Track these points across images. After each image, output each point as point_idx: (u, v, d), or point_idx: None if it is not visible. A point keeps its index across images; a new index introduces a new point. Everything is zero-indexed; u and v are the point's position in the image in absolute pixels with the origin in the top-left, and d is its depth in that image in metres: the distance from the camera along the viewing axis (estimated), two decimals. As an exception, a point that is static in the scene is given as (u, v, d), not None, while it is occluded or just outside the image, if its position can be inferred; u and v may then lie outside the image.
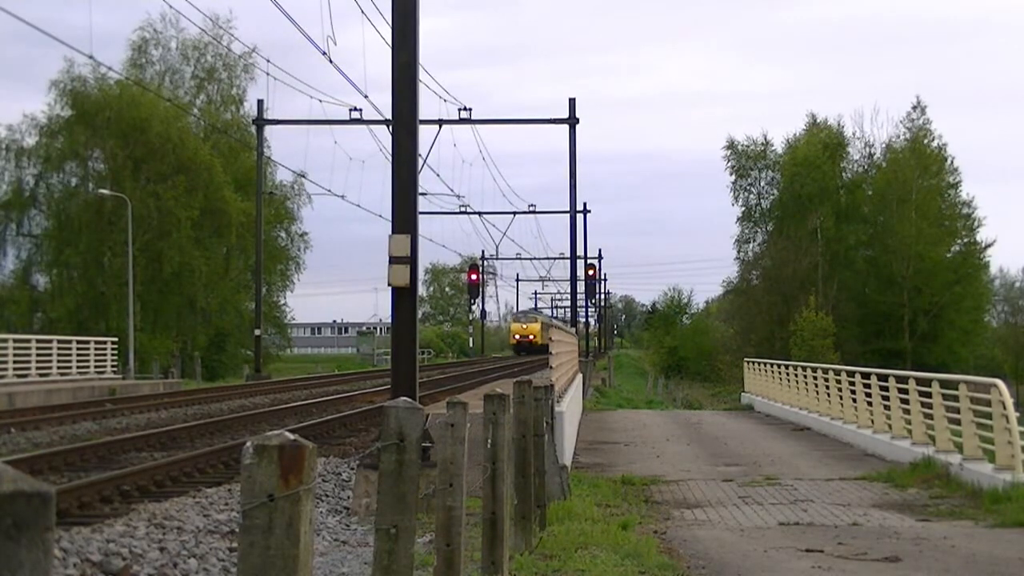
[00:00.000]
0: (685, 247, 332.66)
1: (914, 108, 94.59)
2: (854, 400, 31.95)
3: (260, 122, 62.24)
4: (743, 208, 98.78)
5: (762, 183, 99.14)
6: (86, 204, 76.36)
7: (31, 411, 35.60)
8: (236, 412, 34.95)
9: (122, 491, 18.24)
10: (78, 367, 56.00)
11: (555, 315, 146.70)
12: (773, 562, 14.05)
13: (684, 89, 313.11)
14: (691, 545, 15.09)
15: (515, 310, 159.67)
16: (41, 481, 2.54)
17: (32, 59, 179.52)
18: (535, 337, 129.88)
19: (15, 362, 52.28)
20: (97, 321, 72.30)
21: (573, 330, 54.71)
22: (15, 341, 54.05)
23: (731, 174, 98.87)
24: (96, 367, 57.94)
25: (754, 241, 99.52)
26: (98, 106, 76.66)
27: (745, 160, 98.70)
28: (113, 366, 59.39)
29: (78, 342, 57.45)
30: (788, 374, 42.52)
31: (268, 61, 54.82)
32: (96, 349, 58.78)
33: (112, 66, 68.05)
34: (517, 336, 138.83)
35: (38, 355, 53.89)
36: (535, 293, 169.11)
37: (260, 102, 61.75)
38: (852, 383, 32.38)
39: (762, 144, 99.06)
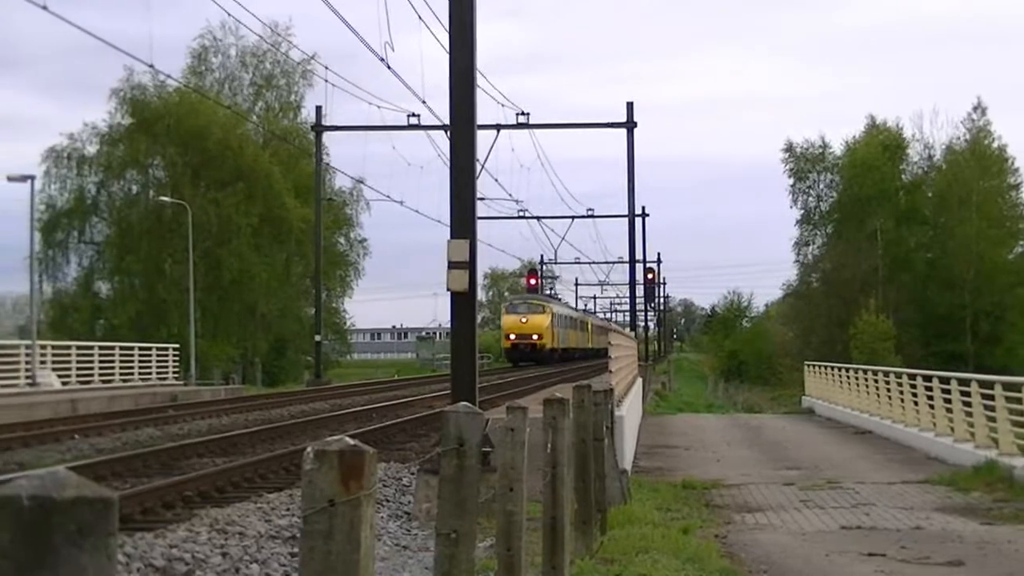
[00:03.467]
0: (744, 250, 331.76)
1: (974, 109, 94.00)
2: (916, 403, 31.73)
3: (319, 128, 62.45)
4: (802, 211, 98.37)
5: (821, 186, 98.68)
6: (147, 211, 76.84)
7: (94, 417, 35.84)
8: (296, 418, 35.07)
9: (184, 497, 18.34)
10: (140, 374, 56.37)
11: (613, 319, 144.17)
12: (835, 566, 13.98)
13: (741, 92, 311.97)
14: (752, 549, 15.03)
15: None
16: (104, 487, 2.55)
17: (93, 69, 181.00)
18: (542, 337, 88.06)
19: (78, 369, 52.69)
20: (158, 328, 72.71)
21: (632, 334, 54.55)
22: (78, 348, 54.48)
23: (789, 177, 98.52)
24: (158, 373, 58.31)
25: (813, 244, 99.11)
26: (158, 114, 77.12)
27: (804, 163, 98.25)
28: (174, 372, 59.75)
29: (140, 349, 57.84)
30: (849, 377, 42.30)
31: (326, 68, 54.93)
32: (158, 356, 59.16)
33: (171, 74, 68.53)
34: (512, 336, 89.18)
35: (101, 362, 54.28)
36: (594, 297, 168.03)
37: (318, 108, 62.01)
38: (914, 386, 32.17)
39: (820, 147, 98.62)
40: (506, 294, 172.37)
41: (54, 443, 27.66)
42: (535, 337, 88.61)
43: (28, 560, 2.48)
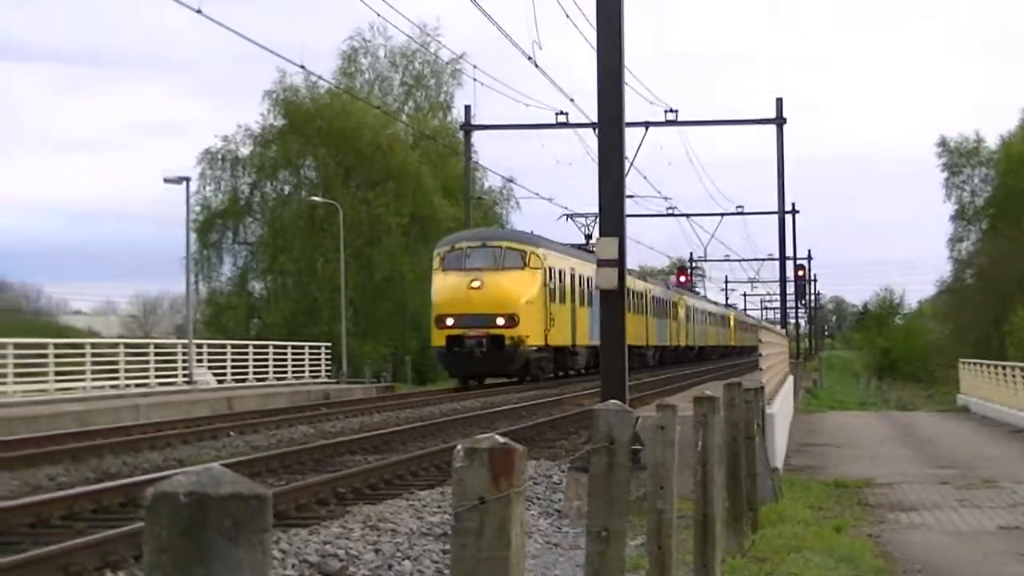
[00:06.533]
0: (897, 246, 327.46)
1: None
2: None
3: (468, 128, 62.72)
4: (956, 206, 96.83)
5: (975, 180, 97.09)
6: (299, 212, 77.63)
7: (249, 415, 36.35)
8: (447, 415, 35.26)
9: (337, 493, 18.52)
10: (293, 372, 57.11)
11: (764, 317, 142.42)
12: (992, 567, 13.75)
13: (893, 86, 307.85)
14: (906, 549, 14.83)
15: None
16: (258, 483, 2.59)
17: (245, 71, 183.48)
18: (515, 322, 51.01)
19: (233, 367, 53.50)
20: (310, 326, 73.44)
21: (783, 331, 54.09)
22: (233, 347, 55.30)
23: (943, 171, 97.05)
24: (310, 372, 59.01)
25: (968, 239, 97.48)
26: (309, 115, 77.93)
27: (957, 157, 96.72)
28: (327, 371, 60.42)
29: (293, 347, 58.57)
30: (1005, 375, 41.57)
31: (475, 67, 55.23)
32: (310, 354, 59.89)
33: (322, 75, 69.10)
34: (450, 320, 51.43)
35: (255, 360, 55.06)
36: (744, 295, 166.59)
37: (467, 108, 62.23)
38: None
39: (975, 141, 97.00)
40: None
41: (211, 440, 28.10)
42: (501, 323, 50.10)
43: (185, 555, 2.53)
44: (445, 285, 52.15)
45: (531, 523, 16.41)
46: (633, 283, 70.99)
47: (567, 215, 68.47)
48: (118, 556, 13.11)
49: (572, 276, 58.17)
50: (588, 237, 66.02)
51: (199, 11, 28.38)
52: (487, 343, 50.60)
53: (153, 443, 26.40)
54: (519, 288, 51.66)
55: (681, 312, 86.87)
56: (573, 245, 63.33)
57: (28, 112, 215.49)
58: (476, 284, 50.94)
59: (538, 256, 53.08)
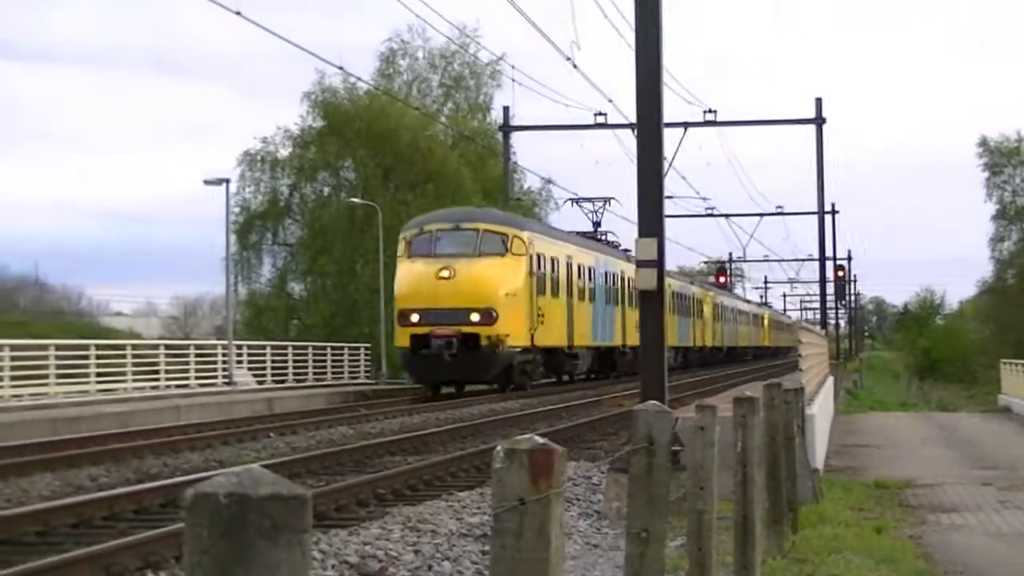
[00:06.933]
0: (937, 246, 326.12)
1: None
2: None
3: (506, 129, 62.77)
4: (997, 206, 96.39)
5: (1017, 180, 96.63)
6: (338, 213, 77.74)
7: (289, 416, 36.45)
8: (487, 416, 35.28)
9: (377, 494, 18.55)
10: (332, 373, 57.22)
11: (804, 318, 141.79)
12: (1035, 568, 13.67)
13: (934, 85, 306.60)
14: (948, 550, 14.75)
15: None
16: (298, 484, 2.60)
17: (283, 72, 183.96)
18: (493, 318, 44.33)
19: (273, 368, 53.66)
20: (350, 327, 73.54)
21: (823, 332, 53.92)
22: (273, 348, 55.47)
23: (984, 171, 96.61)
24: (350, 373, 59.12)
25: (1009, 239, 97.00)
26: (348, 117, 78.06)
27: (998, 157, 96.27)
28: (366, 371, 60.52)
29: (332, 348, 58.69)
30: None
31: (513, 67, 55.32)
32: (350, 355, 60.00)
33: (361, 76, 69.21)
34: (415, 317, 44.58)
35: (294, 361, 55.22)
36: (783, 295, 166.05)
37: (506, 109, 62.29)
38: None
39: (1015, 140, 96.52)
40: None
41: (251, 441, 28.19)
42: (475, 319, 43.79)
43: (226, 555, 2.53)
44: (410, 274, 45.38)
45: (571, 524, 16.39)
46: None
47: (572, 200, 65.27)
48: (159, 556, 13.17)
49: (569, 266, 51.76)
50: (597, 224, 62.81)
51: (238, 13, 28.48)
52: (458, 343, 43.82)
53: (193, 444, 26.51)
54: (498, 278, 44.84)
55: (707, 310, 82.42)
56: (581, 233, 59.43)
57: (66, 114, 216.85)
58: (446, 273, 44.27)
59: (522, 240, 46.14)
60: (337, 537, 14.29)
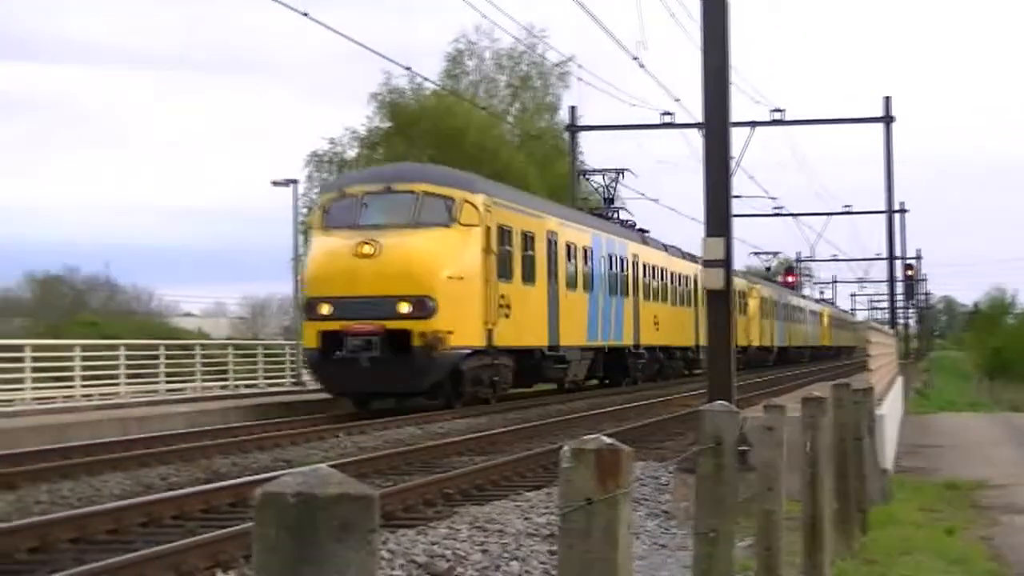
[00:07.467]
0: (1008, 245, 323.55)
1: None
2: None
3: (573, 129, 62.71)
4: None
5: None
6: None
7: (357, 415, 36.50)
8: (553, 416, 35.26)
9: (444, 494, 18.58)
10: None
11: (873, 317, 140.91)
12: (1108, 570, 13.52)
13: (1005, 81, 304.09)
14: (1020, 552, 14.62)
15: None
16: (366, 484, 2.60)
17: (350, 73, 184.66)
18: (425, 311, 33.87)
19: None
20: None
21: (892, 331, 53.57)
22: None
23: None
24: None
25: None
26: (415, 117, 78.24)
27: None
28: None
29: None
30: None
31: (579, 66, 55.26)
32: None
33: (428, 77, 69.44)
34: (325, 308, 34.39)
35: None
36: (852, 295, 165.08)
37: (573, 109, 62.24)
38: None
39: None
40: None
41: (319, 441, 28.29)
42: (405, 311, 34.21)
43: (294, 555, 2.54)
44: (323, 252, 35.28)
45: (638, 524, 16.36)
46: (671, 263, 59.55)
47: (582, 173, 61.13)
48: (228, 556, 13.24)
49: (552, 243, 41.85)
50: (609, 200, 57.55)
51: (306, 14, 28.61)
52: (381, 344, 33.68)
53: (261, 444, 26.65)
54: (439, 256, 34.66)
55: (753, 305, 75.63)
56: (591, 211, 53.19)
57: (133, 115, 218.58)
58: (369, 250, 33.99)
59: (474, 207, 35.69)
60: (405, 537, 14.32)
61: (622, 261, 50.60)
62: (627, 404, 39.67)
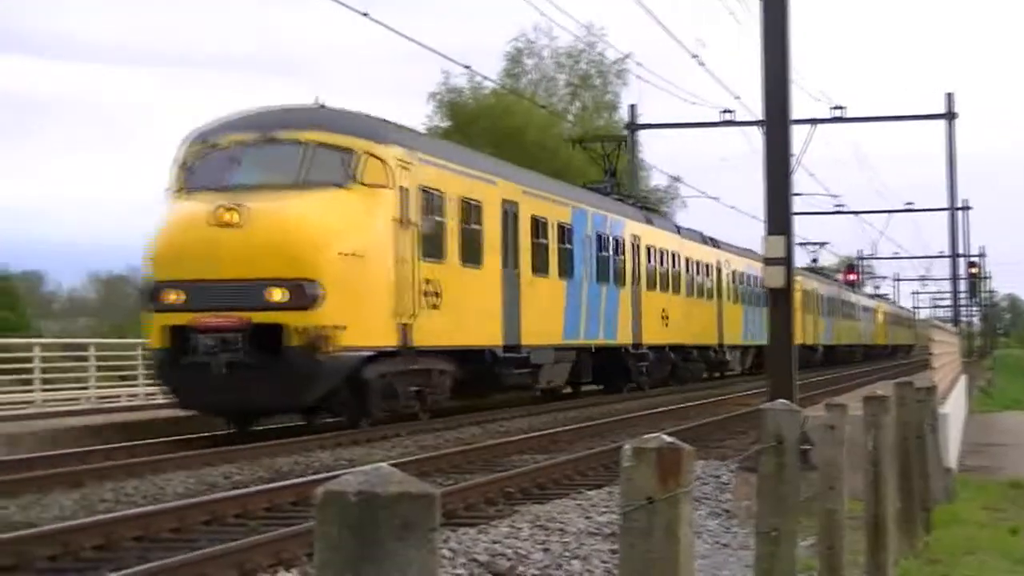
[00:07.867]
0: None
1: None
2: None
3: (633, 127, 62.59)
4: None
5: None
6: (466, 212, 77.76)
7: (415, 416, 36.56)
8: (613, 416, 35.20)
9: (505, 493, 18.58)
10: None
11: (936, 315, 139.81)
12: None
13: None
14: (1086, 551, 14.49)
15: None
16: (427, 483, 2.62)
17: (410, 74, 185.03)
18: (318, 295, 25.27)
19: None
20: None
21: (955, 329, 53.19)
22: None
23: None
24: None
25: None
26: (474, 116, 78.34)
27: None
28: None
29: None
30: None
31: (639, 64, 55.14)
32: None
33: (487, 76, 69.47)
34: (173, 295, 25.56)
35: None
36: (914, 293, 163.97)
37: (632, 107, 62.12)
38: None
39: None
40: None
41: (381, 441, 28.35)
42: (277, 299, 25.36)
43: (356, 553, 2.56)
44: (174, 222, 26.76)
45: (700, 523, 16.32)
46: (685, 248, 51.49)
47: (575, 141, 54.72)
48: (291, 554, 13.30)
49: (510, 215, 33.75)
50: (612, 173, 50.72)
51: (366, 14, 28.61)
52: (245, 343, 25.53)
53: (324, 443, 26.71)
54: (327, 226, 26.29)
55: (794, 300, 72.37)
56: (585, 185, 46.31)
57: (197, 116, 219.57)
58: (232, 218, 25.59)
59: (383, 162, 27.37)
60: (466, 535, 14.34)
61: (617, 243, 42.33)
62: (687, 403, 39.58)
